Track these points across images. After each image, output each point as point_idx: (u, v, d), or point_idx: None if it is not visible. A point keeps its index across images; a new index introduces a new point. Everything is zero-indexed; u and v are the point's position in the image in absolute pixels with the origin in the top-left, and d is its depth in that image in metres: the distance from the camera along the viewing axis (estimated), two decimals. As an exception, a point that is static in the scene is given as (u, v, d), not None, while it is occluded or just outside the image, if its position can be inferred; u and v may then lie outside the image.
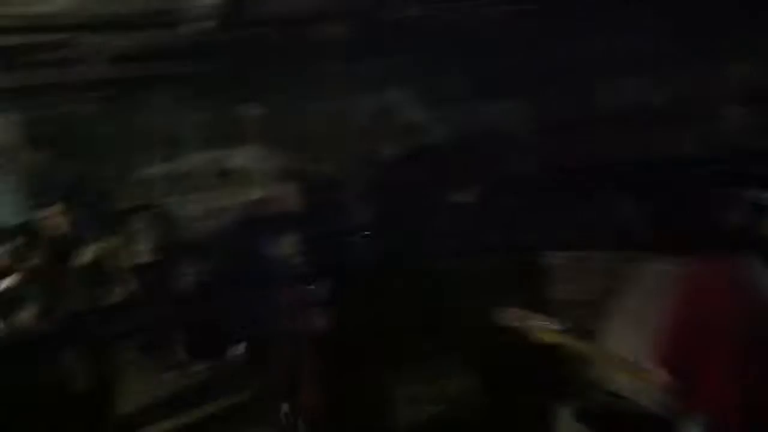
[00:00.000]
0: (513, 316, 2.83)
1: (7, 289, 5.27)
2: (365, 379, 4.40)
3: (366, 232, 5.20)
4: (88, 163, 9.21)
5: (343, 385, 4.06)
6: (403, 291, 6.02)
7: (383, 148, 7.08)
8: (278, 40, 6.50)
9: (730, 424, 2.37)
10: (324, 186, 6.63)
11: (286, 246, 5.12)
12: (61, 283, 5.53)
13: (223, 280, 6.54)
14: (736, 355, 2.40)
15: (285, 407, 4.60)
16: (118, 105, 9.10)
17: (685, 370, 2.44)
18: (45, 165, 9.04)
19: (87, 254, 6.07)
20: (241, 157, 8.19)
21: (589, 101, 6.64)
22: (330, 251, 5.12)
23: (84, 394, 5.05)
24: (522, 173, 6.63)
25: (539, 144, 6.66)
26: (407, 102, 7.47)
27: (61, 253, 5.77)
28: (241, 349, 6.90)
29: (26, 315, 5.15)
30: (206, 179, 8.82)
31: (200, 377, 6.92)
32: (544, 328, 2.76)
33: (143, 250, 7.04)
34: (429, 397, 5.22)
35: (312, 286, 4.74)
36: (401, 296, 6.03)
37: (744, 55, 6.08)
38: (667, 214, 3.37)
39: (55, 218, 6.01)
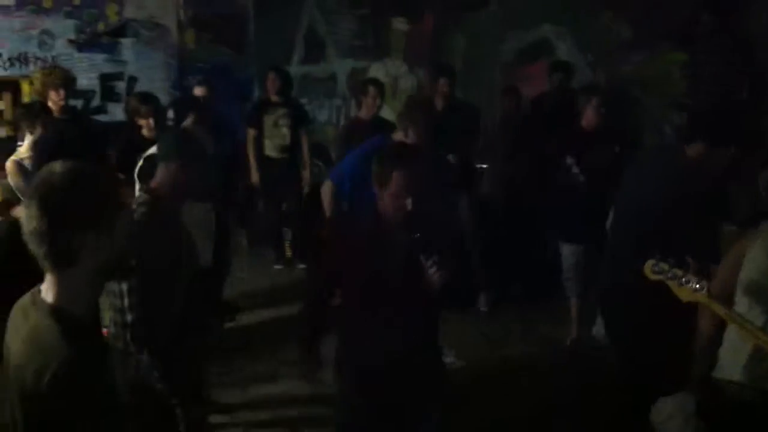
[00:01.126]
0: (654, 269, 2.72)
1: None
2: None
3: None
4: (233, 51, 9.54)
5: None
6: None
7: (526, 86, 6.84)
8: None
9: None
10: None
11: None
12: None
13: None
14: None
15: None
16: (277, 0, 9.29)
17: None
18: (196, 47, 9.39)
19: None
20: (381, 71, 8.15)
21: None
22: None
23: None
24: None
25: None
26: (561, 42, 7.17)
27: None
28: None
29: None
30: (342, 87, 8.93)
31: (301, 276, 7.13)
32: (684, 285, 2.66)
33: (276, 145, 7.18)
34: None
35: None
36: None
37: None
38: None
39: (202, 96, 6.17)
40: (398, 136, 4.54)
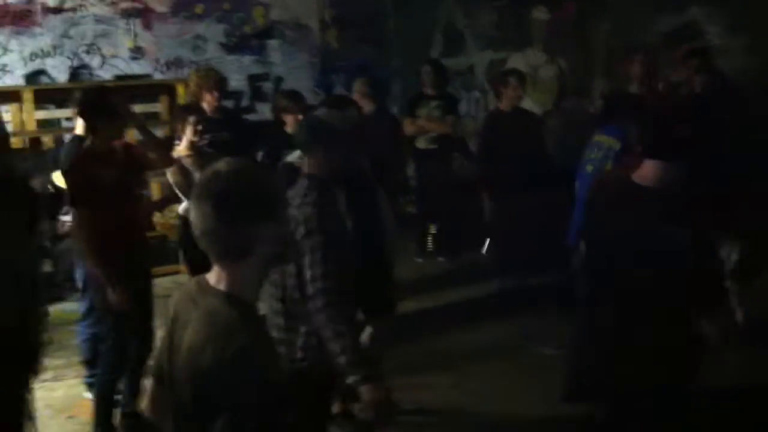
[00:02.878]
0: None
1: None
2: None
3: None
4: (374, 48, 9.70)
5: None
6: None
7: (673, 73, 6.56)
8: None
9: None
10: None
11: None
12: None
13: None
14: None
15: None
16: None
17: None
18: (338, 46, 9.62)
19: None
20: (521, 61, 8.06)
21: None
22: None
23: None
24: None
25: None
26: (712, 24, 6.82)
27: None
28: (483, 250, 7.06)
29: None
30: (481, 79, 8.89)
31: (441, 270, 7.20)
32: None
33: (428, 137, 7.30)
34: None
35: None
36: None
37: None
38: None
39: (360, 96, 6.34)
40: None
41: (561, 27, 7.99)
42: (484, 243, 7.16)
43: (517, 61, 8.19)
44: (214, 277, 1.86)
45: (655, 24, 7.17)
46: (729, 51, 6.48)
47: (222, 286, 1.84)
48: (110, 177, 4.01)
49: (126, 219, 4.17)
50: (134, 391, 4.21)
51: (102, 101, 4.13)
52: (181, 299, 1.94)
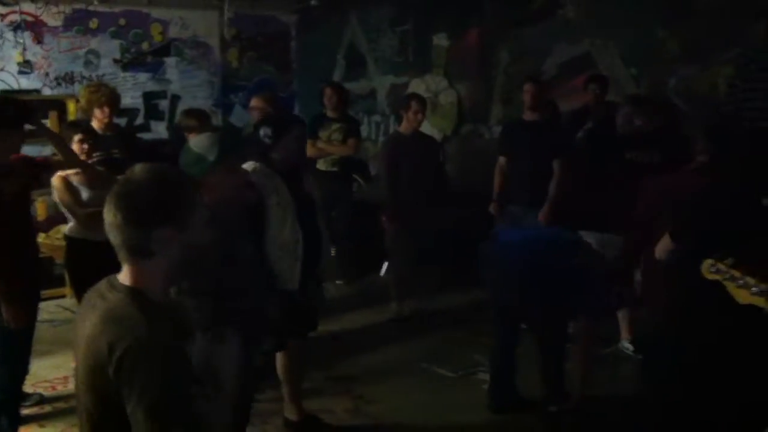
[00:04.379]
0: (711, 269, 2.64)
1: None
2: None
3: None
4: (276, 69, 9.64)
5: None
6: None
7: (568, 100, 6.76)
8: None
9: None
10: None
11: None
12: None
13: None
14: None
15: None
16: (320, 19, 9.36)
17: None
18: (239, 65, 9.50)
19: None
20: (422, 86, 8.14)
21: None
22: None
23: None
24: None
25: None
26: (604, 56, 7.09)
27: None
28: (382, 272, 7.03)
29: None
30: (382, 103, 8.94)
31: (339, 293, 7.13)
32: (742, 286, 2.56)
33: (328, 159, 7.23)
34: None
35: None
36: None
37: None
38: None
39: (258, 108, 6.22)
40: None
41: (462, 54, 8.12)
42: (382, 266, 7.14)
43: (417, 86, 8.28)
44: (122, 274, 1.91)
45: (551, 54, 7.39)
46: (619, 81, 6.75)
47: (128, 282, 1.89)
48: (8, 191, 3.84)
49: (23, 234, 4.03)
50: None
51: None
52: (91, 295, 1.97)
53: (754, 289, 2.51)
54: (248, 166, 3.95)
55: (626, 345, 5.44)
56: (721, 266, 2.59)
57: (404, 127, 6.46)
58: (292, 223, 3.83)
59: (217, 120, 8.93)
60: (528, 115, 6.21)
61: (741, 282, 2.55)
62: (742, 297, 2.55)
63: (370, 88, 9.09)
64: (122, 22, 8.71)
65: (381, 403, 4.74)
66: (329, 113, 7.27)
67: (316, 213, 4.22)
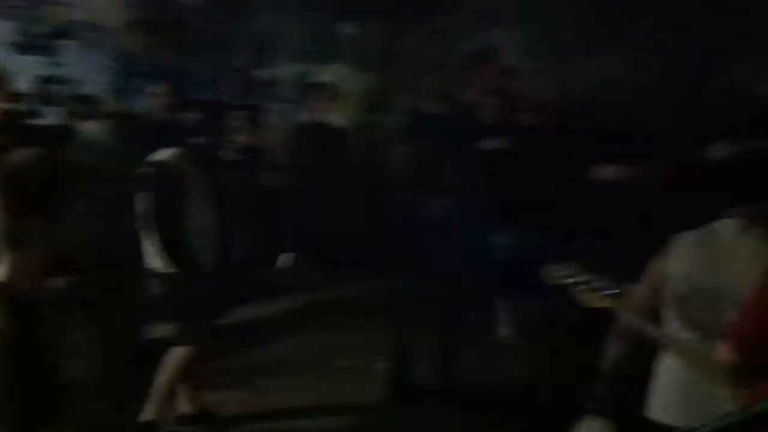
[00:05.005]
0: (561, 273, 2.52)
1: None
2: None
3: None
4: (179, 54, 9.37)
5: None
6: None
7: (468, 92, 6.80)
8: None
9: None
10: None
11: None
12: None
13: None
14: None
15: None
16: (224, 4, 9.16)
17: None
18: (141, 50, 9.19)
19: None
20: (328, 75, 8.07)
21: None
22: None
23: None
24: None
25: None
26: (509, 47, 7.17)
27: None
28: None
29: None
30: (288, 92, 8.81)
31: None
32: (594, 289, 2.44)
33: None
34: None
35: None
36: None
37: None
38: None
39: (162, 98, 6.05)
40: None
41: (368, 43, 8.08)
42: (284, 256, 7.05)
43: (324, 74, 8.19)
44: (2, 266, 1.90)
45: (456, 44, 7.43)
46: (524, 72, 6.83)
47: (1, 275, 1.89)
48: None
49: None
50: None
51: None
52: None
53: (606, 291, 2.41)
54: (166, 152, 3.87)
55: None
56: (567, 269, 2.49)
57: (311, 116, 6.40)
58: (210, 210, 3.83)
59: (117, 106, 8.62)
60: (431, 106, 6.24)
61: (591, 285, 2.43)
62: (592, 301, 2.43)
63: (276, 76, 8.93)
64: (16, 3, 8.31)
65: (277, 395, 4.69)
66: (234, 101, 7.12)
67: (235, 199, 4.21)
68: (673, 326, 2.59)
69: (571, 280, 2.47)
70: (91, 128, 4.23)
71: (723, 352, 2.14)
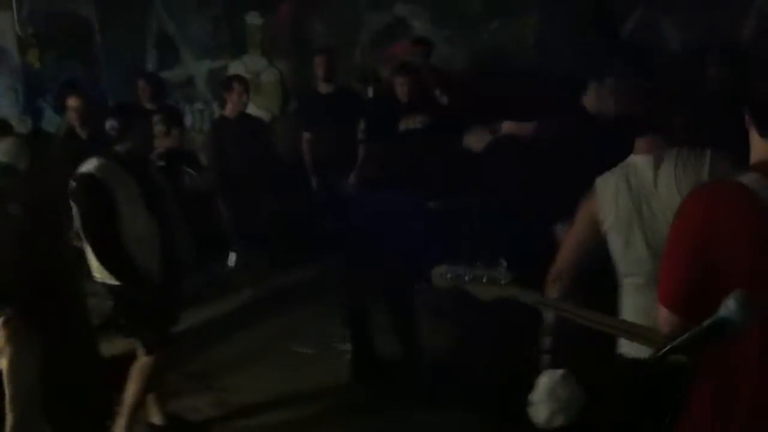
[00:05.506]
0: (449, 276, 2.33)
1: None
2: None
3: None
4: (85, 63, 9.12)
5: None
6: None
7: (387, 69, 6.84)
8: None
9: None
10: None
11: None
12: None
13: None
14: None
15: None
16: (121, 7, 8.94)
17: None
18: (46, 63, 8.90)
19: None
20: (241, 68, 7.98)
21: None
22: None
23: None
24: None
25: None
26: (417, 19, 7.22)
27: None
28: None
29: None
30: (202, 90, 8.70)
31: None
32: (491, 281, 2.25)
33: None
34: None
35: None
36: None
37: None
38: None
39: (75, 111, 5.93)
40: None
41: (276, 30, 8.02)
42: (228, 255, 6.98)
43: (237, 67, 8.09)
44: None
45: (365, 23, 7.45)
46: (434, 43, 6.90)
47: None
48: None
49: None
50: None
51: None
52: None
53: (503, 282, 2.22)
54: (90, 163, 3.82)
55: None
56: (457, 269, 2.30)
57: (229, 111, 6.34)
58: (144, 216, 3.80)
59: (27, 127, 8.33)
60: (323, 87, 6.35)
61: (485, 278, 2.24)
62: (489, 294, 2.26)
63: (187, 75, 8.77)
64: None
65: (244, 392, 4.69)
66: (146, 105, 6.96)
67: (170, 202, 4.17)
68: (619, 269, 2.71)
69: (466, 278, 2.29)
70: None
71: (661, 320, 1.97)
